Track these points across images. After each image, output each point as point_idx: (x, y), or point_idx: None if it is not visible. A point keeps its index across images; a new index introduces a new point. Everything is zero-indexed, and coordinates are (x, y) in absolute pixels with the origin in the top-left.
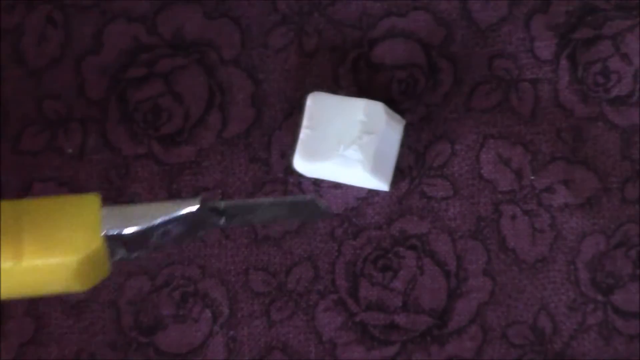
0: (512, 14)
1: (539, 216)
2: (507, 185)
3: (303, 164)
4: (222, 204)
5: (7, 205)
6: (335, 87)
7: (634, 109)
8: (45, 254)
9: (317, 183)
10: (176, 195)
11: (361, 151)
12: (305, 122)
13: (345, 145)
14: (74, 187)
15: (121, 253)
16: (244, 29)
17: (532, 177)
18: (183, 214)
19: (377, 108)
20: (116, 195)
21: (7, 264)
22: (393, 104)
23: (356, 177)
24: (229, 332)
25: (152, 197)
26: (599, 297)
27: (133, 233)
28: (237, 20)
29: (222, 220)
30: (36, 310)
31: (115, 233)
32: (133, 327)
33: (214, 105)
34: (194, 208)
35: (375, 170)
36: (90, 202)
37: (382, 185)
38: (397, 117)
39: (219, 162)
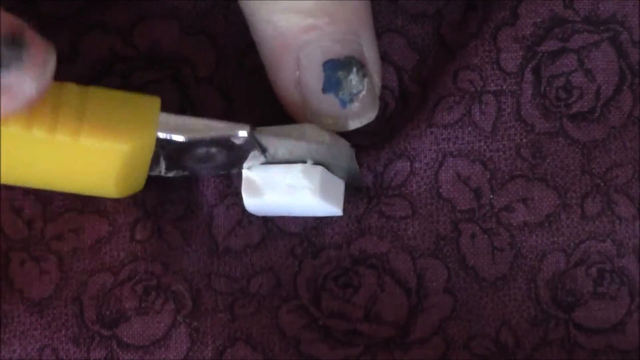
0: (482, 30)
1: (499, 235)
2: (466, 204)
3: (252, 202)
4: (265, 139)
5: (74, 87)
6: None
7: (595, 125)
8: (102, 136)
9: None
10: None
11: (306, 177)
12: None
13: (291, 175)
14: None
15: (159, 168)
16: (220, 47)
17: (491, 196)
18: (232, 136)
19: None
20: None
21: (65, 139)
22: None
23: (307, 205)
24: (192, 323)
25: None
26: (561, 314)
27: (182, 142)
28: (214, 37)
29: (262, 158)
30: None
31: (166, 137)
32: (95, 321)
33: None
34: (244, 133)
35: (325, 194)
36: (152, 102)
37: (334, 210)
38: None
39: (186, 179)
